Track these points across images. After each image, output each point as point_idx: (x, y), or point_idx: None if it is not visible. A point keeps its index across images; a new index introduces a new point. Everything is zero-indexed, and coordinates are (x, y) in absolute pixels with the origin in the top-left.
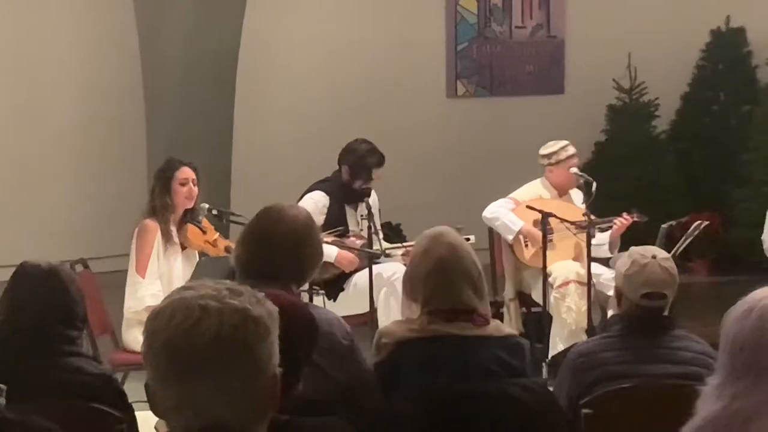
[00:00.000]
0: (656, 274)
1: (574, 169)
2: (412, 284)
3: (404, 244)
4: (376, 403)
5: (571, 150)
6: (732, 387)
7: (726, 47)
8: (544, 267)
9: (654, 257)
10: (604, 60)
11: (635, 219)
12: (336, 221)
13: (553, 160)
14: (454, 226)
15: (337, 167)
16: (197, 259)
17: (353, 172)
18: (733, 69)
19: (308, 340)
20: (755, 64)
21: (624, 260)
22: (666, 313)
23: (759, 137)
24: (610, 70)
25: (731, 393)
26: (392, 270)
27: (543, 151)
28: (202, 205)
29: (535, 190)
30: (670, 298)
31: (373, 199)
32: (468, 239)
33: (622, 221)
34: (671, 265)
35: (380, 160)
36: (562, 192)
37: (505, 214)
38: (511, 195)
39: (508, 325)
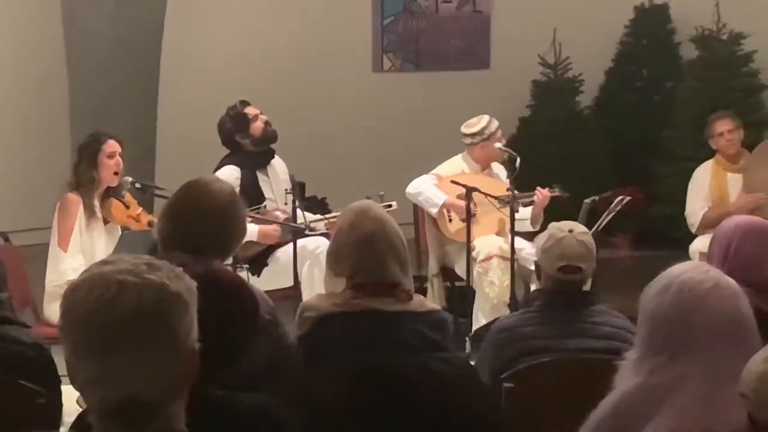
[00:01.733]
0: (572, 247)
1: (499, 144)
2: (336, 258)
3: (326, 216)
4: (299, 377)
5: (496, 122)
6: (650, 362)
7: (649, 23)
8: (468, 242)
9: (571, 231)
10: (529, 35)
11: (556, 193)
12: (251, 190)
13: (485, 135)
14: (376, 194)
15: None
16: (120, 233)
17: (235, 129)
18: (657, 45)
19: (251, 316)
20: (678, 40)
21: (543, 235)
22: (588, 287)
23: (682, 113)
24: (535, 45)
25: (649, 368)
26: (316, 243)
27: (471, 129)
28: (125, 178)
29: (457, 166)
30: (588, 272)
31: (281, 166)
32: (390, 206)
33: (543, 193)
34: (588, 239)
35: (242, 103)
36: (485, 166)
37: (429, 189)
38: (433, 171)
39: (432, 301)
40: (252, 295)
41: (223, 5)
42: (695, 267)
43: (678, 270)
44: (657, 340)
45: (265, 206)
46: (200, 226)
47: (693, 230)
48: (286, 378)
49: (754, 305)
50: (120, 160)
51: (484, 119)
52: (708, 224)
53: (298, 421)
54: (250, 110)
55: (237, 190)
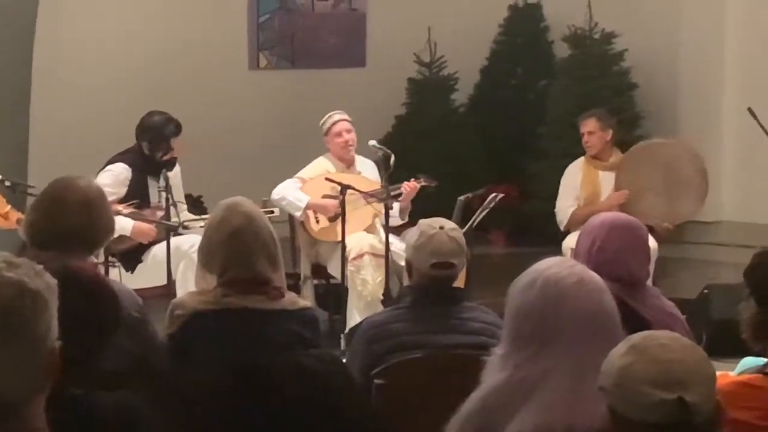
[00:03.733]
0: (444, 243)
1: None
2: (208, 254)
3: (203, 216)
4: (166, 375)
5: (336, 116)
6: (516, 356)
7: (523, 22)
8: (343, 239)
9: (442, 228)
10: (404, 34)
11: (423, 183)
12: (138, 193)
13: (324, 130)
14: (260, 199)
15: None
16: None
17: (152, 145)
18: (531, 44)
19: (111, 314)
20: (551, 39)
21: (413, 232)
22: (463, 283)
23: (555, 111)
24: (410, 43)
25: (515, 362)
26: (191, 242)
27: (320, 124)
28: None
29: (321, 166)
30: (459, 268)
31: (175, 170)
32: (272, 212)
33: (410, 186)
34: (459, 234)
35: (177, 129)
36: (347, 163)
37: (292, 193)
38: (297, 175)
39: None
40: (112, 293)
41: (97, 4)
42: (560, 262)
43: (543, 266)
44: (523, 335)
45: (137, 202)
46: (66, 220)
47: (561, 227)
48: (153, 376)
49: (619, 299)
50: None
51: (327, 115)
52: (577, 222)
53: (162, 421)
54: (176, 144)
55: (124, 189)
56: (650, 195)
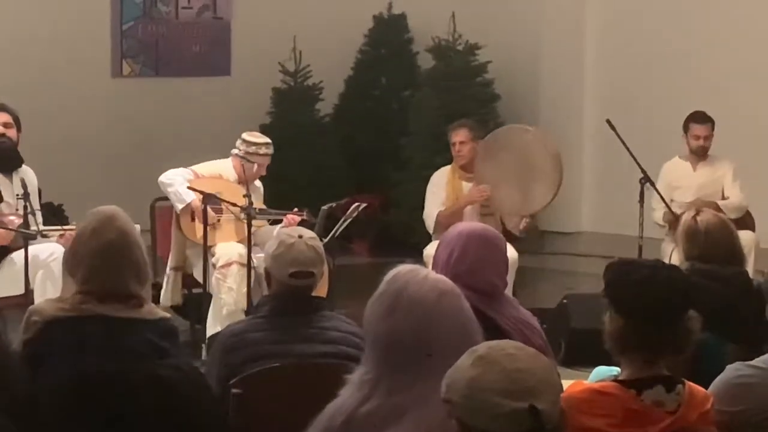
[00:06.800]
0: (303, 252)
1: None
2: (73, 261)
3: (63, 227)
4: (19, 386)
5: (265, 149)
6: (389, 381)
7: (388, 33)
8: (205, 247)
9: (300, 236)
10: (269, 42)
11: (304, 218)
12: None
13: (247, 145)
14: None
15: None
16: None
17: None
18: (395, 54)
19: None
20: (415, 50)
21: (271, 242)
22: (325, 292)
23: (418, 122)
24: (275, 52)
25: (388, 387)
26: (49, 251)
27: (249, 137)
28: None
29: (218, 168)
30: (318, 277)
31: (30, 178)
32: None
33: (292, 219)
34: (317, 243)
35: None
36: (241, 180)
37: (181, 183)
38: (192, 167)
39: (167, 295)
40: None
41: None
42: (412, 276)
43: (398, 283)
44: (395, 361)
45: None
46: None
47: (431, 231)
48: (6, 387)
49: (476, 308)
50: None
51: (262, 138)
52: (442, 223)
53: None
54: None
55: None
56: (505, 185)
